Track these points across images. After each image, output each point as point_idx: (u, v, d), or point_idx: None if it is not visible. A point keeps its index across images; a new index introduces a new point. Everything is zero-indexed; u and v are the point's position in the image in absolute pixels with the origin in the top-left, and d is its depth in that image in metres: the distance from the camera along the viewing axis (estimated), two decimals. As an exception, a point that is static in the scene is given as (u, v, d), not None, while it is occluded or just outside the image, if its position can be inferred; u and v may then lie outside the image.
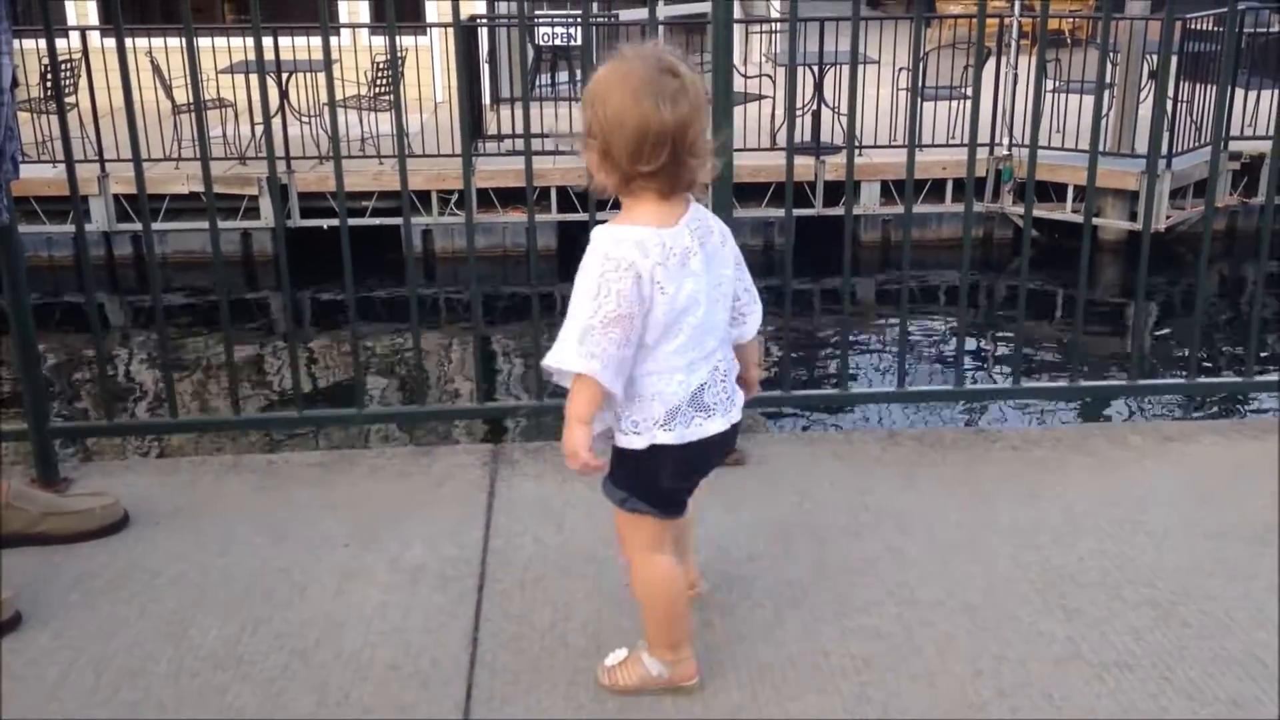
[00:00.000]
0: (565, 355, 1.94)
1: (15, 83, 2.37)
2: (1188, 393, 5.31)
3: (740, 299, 2.12)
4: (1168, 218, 9.69)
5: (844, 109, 10.37)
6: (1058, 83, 10.16)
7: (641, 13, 11.64)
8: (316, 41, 9.09)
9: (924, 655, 2.29)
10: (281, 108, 9.69)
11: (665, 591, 2.14)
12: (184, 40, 2.95)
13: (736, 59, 3.00)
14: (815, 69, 10.20)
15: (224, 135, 9.90)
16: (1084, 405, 6.82)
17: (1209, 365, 8.30)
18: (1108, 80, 7.92)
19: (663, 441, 2.01)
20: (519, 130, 5.54)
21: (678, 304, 1.95)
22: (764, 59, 11.76)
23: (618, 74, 1.91)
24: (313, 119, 9.94)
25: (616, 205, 2.01)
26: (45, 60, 9.48)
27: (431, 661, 2.29)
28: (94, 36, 10.31)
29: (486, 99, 10.68)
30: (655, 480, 2.06)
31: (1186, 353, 3.45)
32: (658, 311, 1.94)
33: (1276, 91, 8.88)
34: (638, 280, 1.91)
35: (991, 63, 10.00)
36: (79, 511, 2.72)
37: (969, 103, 3.16)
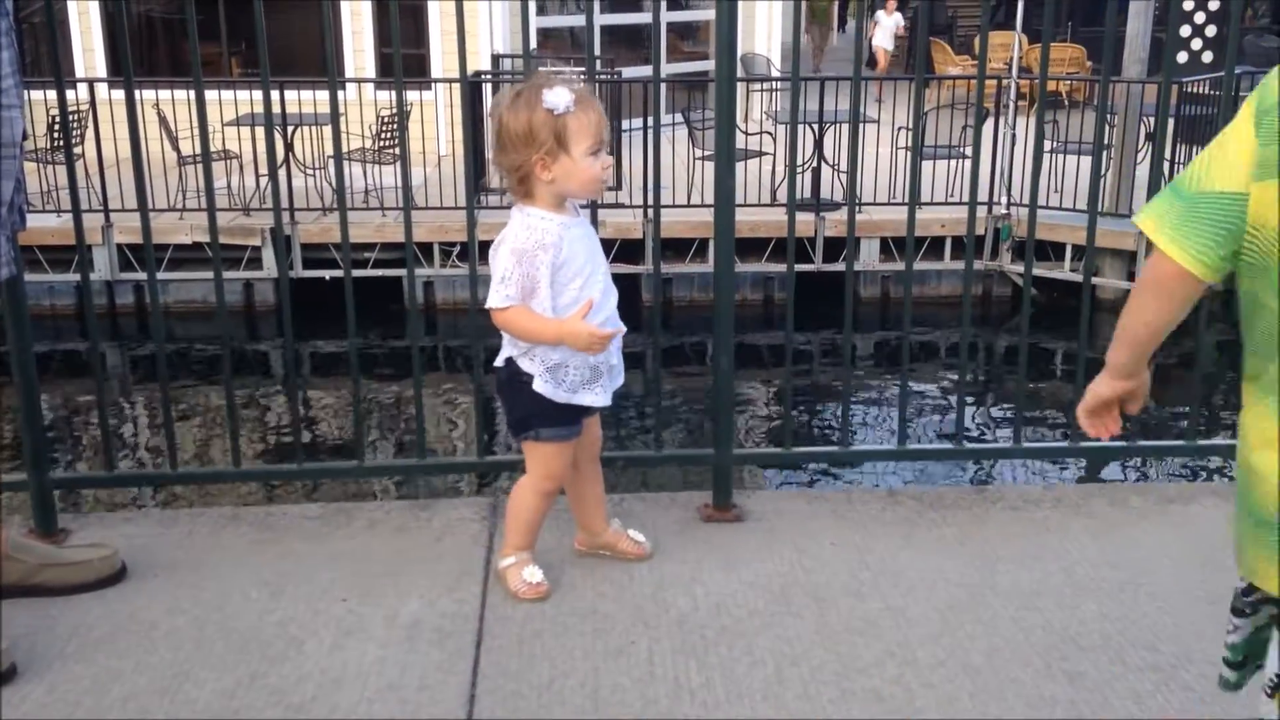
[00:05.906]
0: None
1: (25, 135, 2.39)
2: (1189, 454, 5.31)
3: None
4: (1166, 277, 9.73)
5: (844, 166, 10.48)
6: (1055, 143, 10.26)
7: (645, 70, 11.79)
8: (321, 95, 9.17)
9: (925, 718, 2.27)
10: (287, 160, 9.77)
11: None
12: (191, 93, 2.98)
13: (737, 116, 3.03)
14: (815, 127, 10.30)
15: (229, 186, 9.97)
16: (1084, 464, 6.82)
17: (1208, 426, 8.29)
18: (1105, 142, 7.99)
19: None
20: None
21: None
22: (765, 116, 11.88)
23: None
24: (317, 171, 10.02)
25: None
26: (52, 111, 9.45)
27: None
28: (100, 88, 10.41)
29: (490, 153, 10.72)
30: None
31: (1186, 412, 3.45)
32: None
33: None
34: None
35: (989, 123, 10.10)
36: (76, 563, 2.71)
37: (967, 162, 3.19)
